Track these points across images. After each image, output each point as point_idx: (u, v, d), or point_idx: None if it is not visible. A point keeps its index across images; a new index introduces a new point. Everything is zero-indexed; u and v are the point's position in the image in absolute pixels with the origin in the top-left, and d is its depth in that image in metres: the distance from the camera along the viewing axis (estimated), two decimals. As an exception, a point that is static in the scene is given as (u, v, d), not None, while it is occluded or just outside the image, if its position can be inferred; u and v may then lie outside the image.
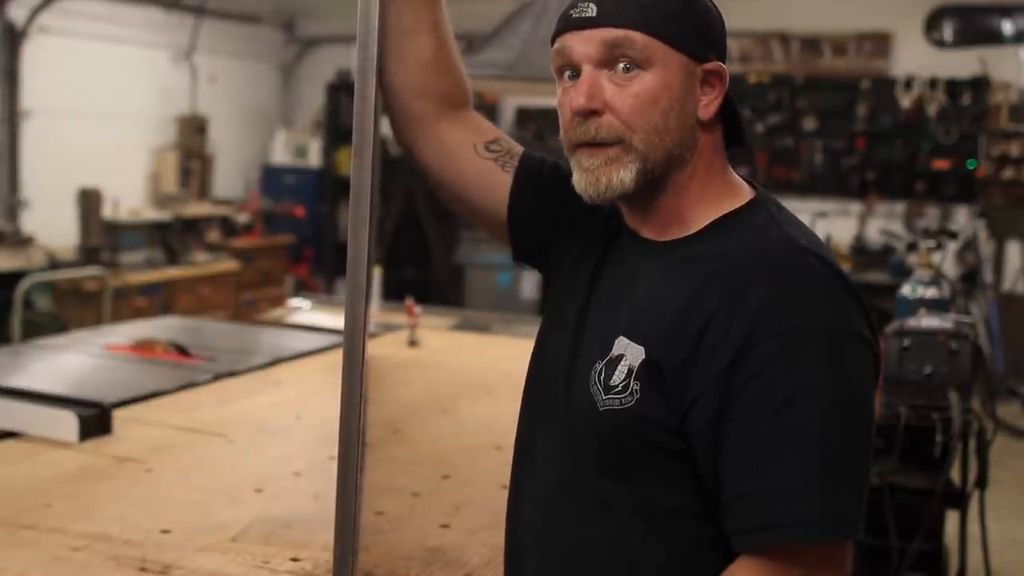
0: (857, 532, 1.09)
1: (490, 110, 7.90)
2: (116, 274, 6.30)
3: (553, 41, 1.23)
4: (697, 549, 1.16)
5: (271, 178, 8.70)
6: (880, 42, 7.51)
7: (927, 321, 2.95)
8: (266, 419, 2.53)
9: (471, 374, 3.20)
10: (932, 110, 7.28)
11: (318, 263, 8.66)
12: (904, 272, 5.99)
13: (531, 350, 1.36)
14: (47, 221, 6.53)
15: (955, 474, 2.90)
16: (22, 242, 6.15)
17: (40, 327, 5.36)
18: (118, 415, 2.36)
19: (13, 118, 6.55)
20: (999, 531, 3.39)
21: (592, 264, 1.30)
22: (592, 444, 1.20)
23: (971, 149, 7.26)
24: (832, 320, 1.10)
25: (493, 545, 1.66)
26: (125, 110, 7.34)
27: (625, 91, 1.17)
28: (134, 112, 7.45)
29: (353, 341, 1.24)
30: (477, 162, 1.40)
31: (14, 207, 6.56)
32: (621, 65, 1.17)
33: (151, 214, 7.20)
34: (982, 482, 2.86)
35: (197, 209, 7.53)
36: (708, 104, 1.21)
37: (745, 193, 1.24)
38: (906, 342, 2.85)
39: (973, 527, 2.91)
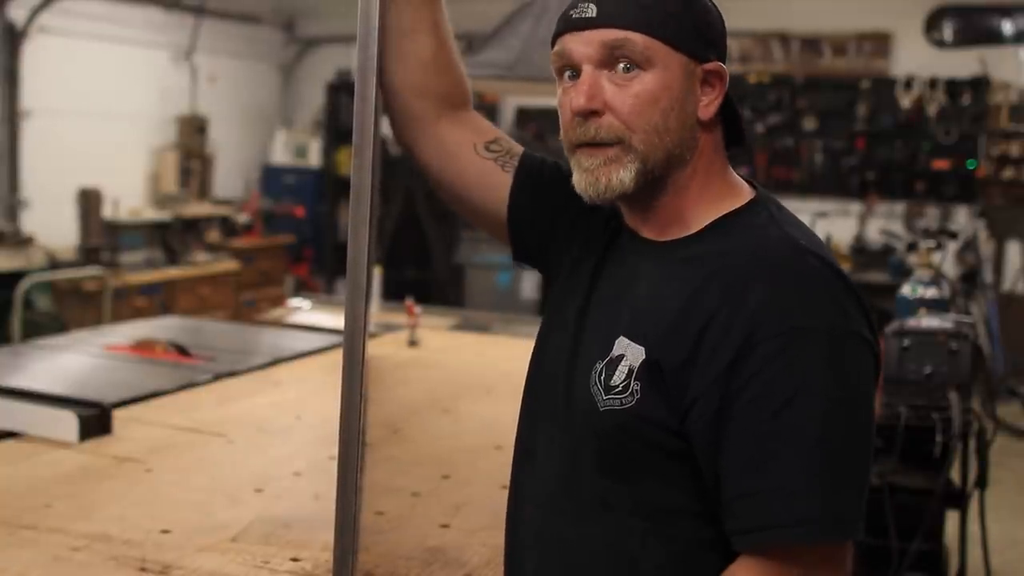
0: (857, 532, 1.09)
1: (490, 110, 7.90)
2: (116, 274, 6.30)
3: (553, 42, 1.23)
4: (697, 549, 1.16)
5: (271, 178, 8.70)
6: (880, 42, 7.51)
7: (927, 321, 2.95)
8: (266, 419, 2.53)
9: (471, 374, 3.20)
10: (932, 110, 7.28)
11: (318, 263, 8.66)
12: (904, 272, 5.99)
13: (531, 350, 1.36)
14: (47, 221, 6.53)
15: (955, 474, 2.90)
16: (22, 242, 6.15)
17: (40, 327, 5.36)
18: (118, 415, 2.36)
19: (13, 118, 6.55)
20: (999, 531, 3.39)
21: (592, 264, 1.30)
22: (592, 444, 1.20)
23: (971, 149, 7.26)
24: (832, 320, 1.10)
25: (493, 545, 1.66)
26: (125, 110, 7.34)
27: (625, 91, 1.17)
28: (134, 112, 7.45)
29: (353, 341, 1.24)
30: (477, 162, 1.40)
31: (14, 207, 6.56)
32: (621, 65, 1.17)
33: (151, 214, 7.21)
34: (982, 482, 2.86)
35: (197, 209, 7.53)
36: (708, 104, 1.21)
37: (745, 193, 1.24)
38: (906, 342, 2.85)
39: (973, 527, 2.91)
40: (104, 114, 7.10)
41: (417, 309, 3.67)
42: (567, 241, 1.36)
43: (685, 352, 1.12)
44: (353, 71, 1.43)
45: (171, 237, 7.16)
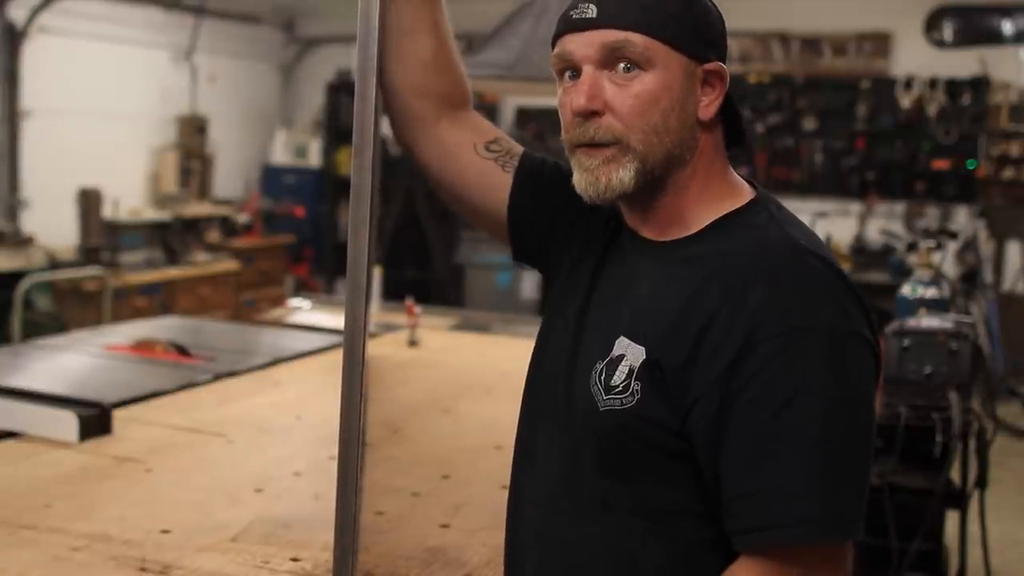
0: (857, 532, 1.09)
1: (490, 110, 7.90)
2: (116, 274, 6.30)
3: (553, 42, 1.23)
4: (698, 549, 1.16)
5: (271, 178, 8.70)
6: (880, 42, 7.51)
7: (927, 321, 2.95)
8: (266, 419, 2.53)
9: (471, 374, 3.20)
10: (932, 110, 7.28)
11: (318, 263, 8.67)
12: (904, 272, 5.99)
13: (531, 350, 1.36)
14: (47, 221, 6.53)
15: (955, 474, 2.90)
16: (22, 242, 6.15)
17: (40, 327, 5.36)
18: (118, 415, 2.36)
19: (13, 118, 6.55)
20: (999, 531, 3.39)
21: (592, 264, 1.30)
22: (592, 444, 1.20)
23: (971, 149, 7.26)
24: (832, 320, 1.10)
25: (493, 545, 1.66)
26: (125, 110, 7.34)
27: (625, 91, 1.17)
28: (134, 112, 7.45)
29: (353, 341, 1.24)
30: (477, 162, 1.40)
31: (14, 207, 6.56)
32: (622, 66, 1.17)
33: (151, 214, 7.20)
34: (982, 482, 2.86)
35: (197, 209, 7.53)
36: (708, 104, 1.21)
37: (745, 193, 1.24)
38: (906, 342, 2.85)
39: (973, 527, 2.91)
40: (104, 114, 7.10)
41: (417, 309, 3.67)
42: (567, 241, 1.36)
43: (686, 352, 1.12)
44: (353, 71, 1.43)
45: (171, 237, 7.17)
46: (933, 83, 7.26)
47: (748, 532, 1.09)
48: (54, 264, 6.20)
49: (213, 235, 7.53)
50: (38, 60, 6.62)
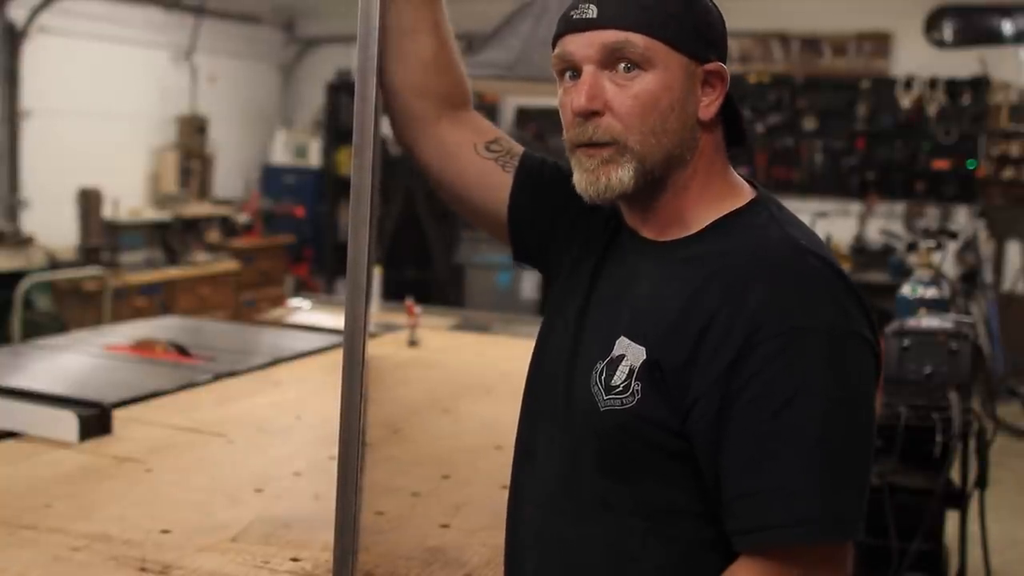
0: (857, 532, 1.09)
1: (490, 110, 7.90)
2: (116, 274, 6.30)
3: (554, 43, 1.23)
4: (698, 549, 1.16)
5: (271, 178, 8.70)
6: (880, 42, 7.51)
7: (927, 321, 2.95)
8: (266, 419, 2.53)
9: (471, 374, 3.20)
10: (932, 110, 7.28)
11: (318, 263, 8.67)
12: (904, 272, 5.99)
13: (531, 350, 1.36)
14: (47, 221, 6.53)
15: (955, 474, 2.90)
16: (22, 242, 6.15)
17: (40, 327, 5.36)
18: (118, 415, 2.36)
19: (13, 118, 6.55)
20: (999, 531, 3.39)
21: (592, 264, 1.30)
22: (593, 444, 1.20)
23: (971, 149, 7.26)
24: (832, 320, 1.10)
25: (493, 545, 1.66)
26: (125, 110, 7.34)
27: (626, 92, 1.17)
28: (134, 112, 7.45)
29: (353, 341, 1.24)
30: (477, 162, 1.40)
31: (14, 207, 6.56)
32: (622, 66, 1.17)
33: (151, 214, 7.21)
34: (982, 482, 2.86)
35: (197, 209, 7.53)
36: (709, 104, 1.21)
37: (746, 193, 1.24)
38: (906, 342, 2.85)
39: (973, 527, 2.91)
40: (104, 114, 7.10)
41: (417, 309, 3.67)
42: (567, 241, 1.36)
43: (686, 352, 1.12)
44: (353, 71, 1.43)
45: (171, 237, 7.16)
46: (933, 83, 7.26)
47: (748, 532, 1.09)
48: (54, 264, 6.20)
49: (213, 235, 7.53)
50: (38, 60, 6.62)
